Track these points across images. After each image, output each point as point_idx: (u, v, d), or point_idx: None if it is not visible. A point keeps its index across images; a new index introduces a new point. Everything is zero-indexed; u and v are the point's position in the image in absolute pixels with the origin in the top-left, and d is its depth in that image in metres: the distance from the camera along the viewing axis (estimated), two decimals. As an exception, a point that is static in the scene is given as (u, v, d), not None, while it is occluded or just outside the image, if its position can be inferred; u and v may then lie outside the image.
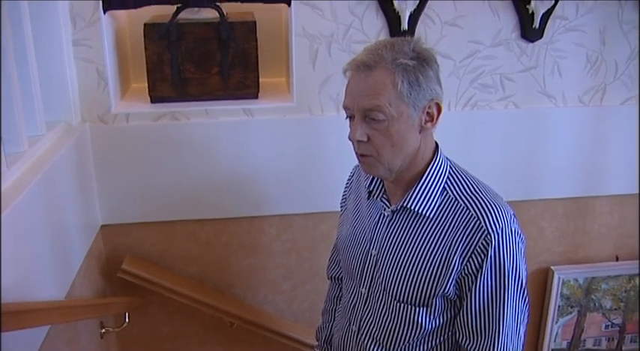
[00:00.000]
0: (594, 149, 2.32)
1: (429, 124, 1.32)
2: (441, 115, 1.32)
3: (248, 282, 2.33)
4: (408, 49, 1.27)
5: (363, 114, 1.29)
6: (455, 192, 1.35)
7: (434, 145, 1.38)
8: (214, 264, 2.28)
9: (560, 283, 2.49)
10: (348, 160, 1.86)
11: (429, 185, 1.35)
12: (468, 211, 1.31)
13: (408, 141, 1.31)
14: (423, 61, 1.28)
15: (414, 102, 1.27)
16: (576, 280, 2.51)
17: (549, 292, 2.52)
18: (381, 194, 1.44)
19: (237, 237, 2.25)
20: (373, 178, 1.46)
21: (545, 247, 2.48)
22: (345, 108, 1.33)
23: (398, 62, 1.25)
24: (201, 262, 2.27)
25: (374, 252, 1.44)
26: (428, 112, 1.30)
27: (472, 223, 1.30)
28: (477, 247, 1.29)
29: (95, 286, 2.09)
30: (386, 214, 1.42)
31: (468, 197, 1.33)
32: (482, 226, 1.29)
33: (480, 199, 1.32)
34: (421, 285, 1.35)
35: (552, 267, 2.50)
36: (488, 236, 1.28)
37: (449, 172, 1.37)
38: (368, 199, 1.49)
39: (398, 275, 1.38)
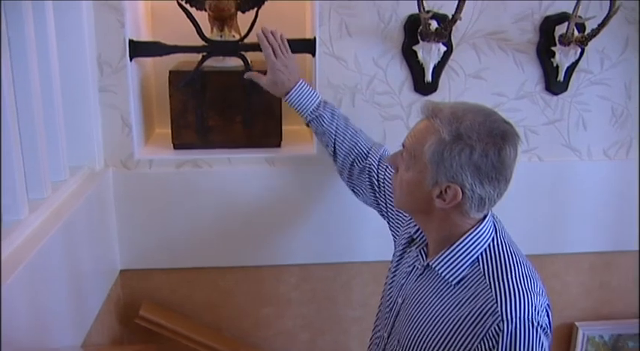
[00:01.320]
0: (620, 203, 2.28)
1: (438, 202, 1.29)
2: (457, 202, 1.28)
3: (266, 331, 2.30)
4: (460, 126, 1.25)
5: (403, 148, 1.37)
6: (486, 267, 1.29)
7: (480, 217, 1.34)
8: (233, 312, 2.26)
9: (585, 339, 2.43)
10: (367, 211, 1.87)
11: (459, 252, 1.31)
12: (489, 292, 1.25)
13: (415, 198, 1.34)
14: (459, 142, 1.25)
15: (433, 170, 1.28)
16: (602, 337, 2.45)
17: (574, 349, 2.45)
18: (422, 245, 1.43)
19: (257, 286, 2.23)
20: (419, 228, 1.45)
21: (569, 302, 2.43)
22: None
23: (440, 128, 1.26)
24: (220, 310, 2.25)
25: (399, 300, 1.43)
26: (441, 191, 1.28)
27: (489, 305, 1.23)
28: (489, 333, 1.22)
29: (112, 332, 2.07)
30: (418, 267, 1.41)
31: (496, 276, 1.26)
32: (497, 312, 1.21)
33: (507, 281, 1.25)
34: (430, 349, 1.31)
35: (577, 323, 2.44)
36: (502, 324, 1.20)
37: (489, 244, 1.32)
38: (410, 245, 1.48)
39: (411, 331, 1.36)
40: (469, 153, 1.24)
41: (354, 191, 1.88)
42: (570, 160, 2.23)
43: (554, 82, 2.14)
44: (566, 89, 2.16)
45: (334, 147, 1.84)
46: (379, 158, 1.79)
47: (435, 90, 2.08)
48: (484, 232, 1.32)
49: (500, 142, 1.25)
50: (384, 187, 1.75)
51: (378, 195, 1.78)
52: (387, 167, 1.75)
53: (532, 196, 2.22)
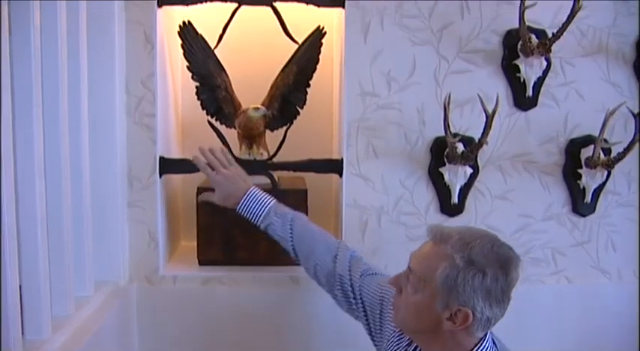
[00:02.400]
0: (653, 326, 2.22)
1: (448, 324, 1.31)
2: (468, 325, 1.30)
3: None
4: (472, 252, 1.29)
5: (408, 270, 1.37)
6: None
7: (482, 335, 1.36)
8: None
9: None
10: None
11: None
12: None
13: (422, 319, 1.34)
14: (472, 267, 1.29)
15: (444, 295, 1.30)
16: None
17: None
18: None
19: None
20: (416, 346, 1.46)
21: None
22: None
23: (452, 254, 1.29)
24: None
25: None
26: (452, 314, 1.30)
27: None
28: None
29: None
30: None
31: None
32: None
33: None
34: None
35: None
36: None
37: None
38: None
39: None
40: (481, 278, 1.28)
41: (332, 296, 1.79)
42: (600, 283, 2.19)
43: (582, 204, 2.13)
44: (593, 211, 2.15)
45: (295, 253, 1.77)
46: (349, 263, 1.71)
47: (462, 211, 2.08)
48: (486, 348, 1.36)
49: (507, 267, 1.30)
50: (360, 296, 1.68)
51: (354, 305, 1.70)
52: (362, 275, 1.68)
53: (560, 318, 2.16)
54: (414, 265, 1.37)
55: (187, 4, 1.98)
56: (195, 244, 2.10)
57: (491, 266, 1.29)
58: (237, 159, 2.01)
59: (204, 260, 2.09)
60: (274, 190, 2.02)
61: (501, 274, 1.29)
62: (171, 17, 2.05)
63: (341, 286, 1.70)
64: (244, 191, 1.77)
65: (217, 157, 1.80)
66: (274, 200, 1.79)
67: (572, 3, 1.92)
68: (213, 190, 1.90)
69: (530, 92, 2.05)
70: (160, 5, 1.94)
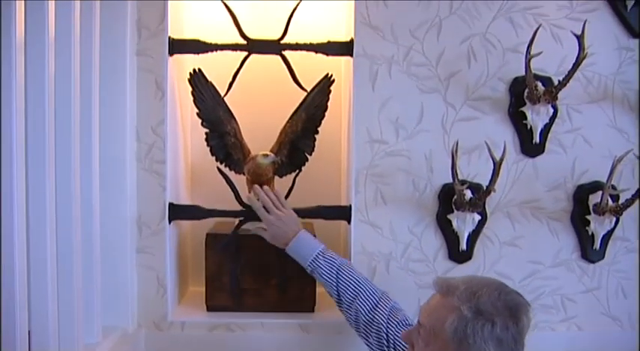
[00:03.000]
0: (666, 375, 2.19)
1: None
2: None
3: None
4: (479, 301, 1.29)
5: (418, 325, 1.37)
6: None
7: None
8: None
9: None
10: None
11: None
12: None
13: None
14: (480, 317, 1.29)
15: (457, 348, 1.29)
16: None
17: None
18: None
19: None
20: None
21: None
22: None
23: (458, 305, 1.30)
24: None
25: None
26: None
27: None
28: None
29: None
30: None
31: None
32: None
33: None
34: None
35: None
36: None
37: None
38: None
39: None
40: (491, 328, 1.27)
41: (365, 342, 1.82)
42: (611, 330, 2.17)
43: (591, 251, 2.13)
44: (603, 257, 2.14)
45: (338, 297, 1.81)
46: (388, 313, 1.75)
47: (470, 258, 2.08)
48: None
49: (516, 314, 1.30)
50: (393, 346, 1.70)
51: None
52: (398, 325, 1.71)
53: (573, 366, 2.15)
54: (423, 319, 1.37)
55: (198, 53, 2.01)
56: (204, 289, 2.10)
57: (500, 315, 1.28)
58: (245, 205, 2.03)
59: (212, 306, 2.08)
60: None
61: (511, 322, 1.29)
62: (182, 65, 2.08)
63: (377, 334, 1.72)
64: (294, 233, 1.85)
65: (271, 198, 1.89)
66: (323, 245, 1.86)
67: (577, 51, 1.95)
68: (223, 235, 1.91)
69: (537, 139, 2.07)
70: (170, 54, 1.97)
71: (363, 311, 1.77)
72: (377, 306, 1.76)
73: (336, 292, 1.82)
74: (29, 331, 1.45)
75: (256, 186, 1.92)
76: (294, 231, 1.87)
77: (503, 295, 1.32)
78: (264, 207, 1.90)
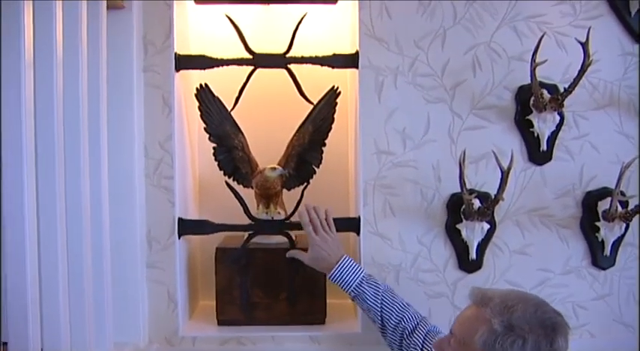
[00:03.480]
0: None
1: None
2: None
3: None
4: (512, 316, 1.27)
5: (450, 334, 1.37)
6: None
7: None
8: None
9: None
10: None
11: None
12: None
13: None
14: (510, 333, 1.26)
15: None
16: None
17: None
18: None
19: None
20: None
21: None
22: None
23: (489, 319, 1.28)
24: None
25: None
26: None
27: None
28: None
29: None
30: None
31: None
32: None
33: None
34: None
35: None
36: None
37: None
38: None
39: None
40: (521, 345, 1.24)
41: None
42: (624, 337, 2.15)
43: (601, 257, 2.12)
44: (613, 264, 2.13)
45: (382, 322, 1.81)
46: (424, 336, 1.75)
47: (480, 267, 2.07)
48: None
49: (551, 334, 1.27)
50: None
51: None
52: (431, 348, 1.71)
53: (587, 375, 2.14)
54: (456, 328, 1.37)
55: (204, 68, 2.02)
56: (214, 303, 2.10)
57: (533, 332, 1.26)
58: (254, 218, 2.03)
59: (223, 320, 2.08)
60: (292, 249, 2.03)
61: (545, 341, 1.26)
62: (189, 80, 2.10)
63: None
64: (338, 258, 1.84)
65: (320, 219, 1.88)
66: (365, 270, 1.86)
67: (582, 58, 1.95)
68: (232, 249, 1.91)
69: (544, 146, 2.07)
70: (177, 69, 1.98)
71: (405, 336, 1.77)
72: (416, 329, 1.77)
73: (379, 318, 1.81)
74: (42, 349, 1.46)
75: (308, 203, 1.92)
76: (338, 256, 1.85)
77: (540, 312, 1.30)
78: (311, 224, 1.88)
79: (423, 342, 1.74)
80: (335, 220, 1.95)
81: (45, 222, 1.46)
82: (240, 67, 2.02)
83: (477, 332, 1.29)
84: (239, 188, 2.09)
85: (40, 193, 1.44)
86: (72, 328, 1.58)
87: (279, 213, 2.10)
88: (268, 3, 2.14)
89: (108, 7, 1.81)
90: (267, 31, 2.17)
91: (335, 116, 2.09)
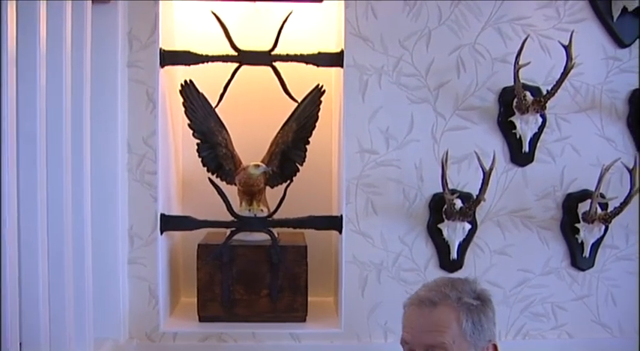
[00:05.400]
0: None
1: None
2: None
3: None
4: (470, 289, 1.31)
5: (424, 350, 1.28)
6: None
7: None
8: None
9: None
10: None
11: None
12: None
13: None
14: (484, 301, 1.31)
15: (475, 341, 1.28)
16: None
17: None
18: None
19: None
20: None
21: None
22: (404, 342, 1.32)
23: (463, 301, 1.28)
24: None
25: None
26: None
27: None
28: None
29: None
30: None
31: None
32: None
33: None
34: None
35: None
36: None
37: None
38: None
39: None
40: (490, 308, 1.32)
41: None
42: (602, 337, 2.18)
43: (580, 258, 2.14)
44: (592, 265, 2.15)
45: None
46: None
47: (461, 267, 2.09)
48: None
49: (489, 293, 1.34)
50: None
51: None
52: None
53: (564, 374, 2.16)
54: (430, 340, 1.28)
55: (189, 65, 2.02)
56: (196, 300, 2.10)
57: (486, 298, 1.32)
58: (237, 215, 2.04)
59: (204, 317, 2.08)
60: (274, 247, 2.04)
61: (492, 303, 1.33)
62: (173, 76, 2.10)
63: None
64: None
65: None
66: None
67: (565, 61, 1.97)
68: (215, 246, 1.91)
69: (526, 148, 2.08)
70: (162, 65, 1.98)
71: None
72: None
73: None
74: (20, 344, 1.45)
75: None
76: None
77: (467, 283, 1.34)
78: None
79: None
80: (317, 218, 1.96)
81: (25, 216, 1.45)
82: (225, 63, 2.02)
83: (460, 322, 1.27)
84: (222, 185, 2.10)
85: (21, 187, 1.43)
86: (51, 323, 1.57)
87: (262, 210, 2.11)
88: (254, 0, 2.14)
89: (93, 1, 1.80)
90: (253, 28, 2.17)
91: (319, 114, 2.10)
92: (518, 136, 2.08)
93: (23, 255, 1.45)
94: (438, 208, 2.04)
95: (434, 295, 1.30)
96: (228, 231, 2.06)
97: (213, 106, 2.06)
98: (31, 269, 1.47)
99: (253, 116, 2.23)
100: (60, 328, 1.62)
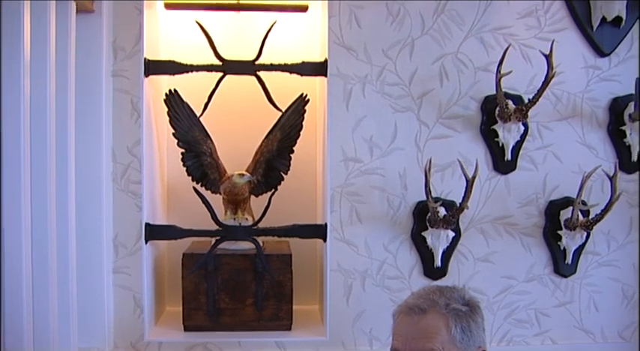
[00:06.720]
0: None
1: None
2: None
3: None
4: (458, 296, 1.34)
5: None
6: None
7: None
8: None
9: None
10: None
11: None
12: None
13: None
14: (473, 308, 1.34)
15: (464, 347, 1.30)
16: None
17: None
18: None
19: None
20: None
21: None
22: (395, 350, 1.34)
23: (451, 307, 1.31)
24: None
25: None
26: None
27: None
28: None
29: None
30: None
31: None
32: None
33: None
34: None
35: None
36: None
37: None
38: None
39: None
40: (479, 315, 1.35)
41: None
42: (584, 343, 2.20)
43: (563, 265, 2.16)
44: (575, 271, 2.18)
45: None
46: None
47: (445, 275, 2.10)
48: None
49: (477, 299, 1.37)
50: None
51: None
52: None
53: (547, 381, 2.17)
54: (420, 347, 1.30)
55: (173, 74, 2.03)
56: (181, 309, 2.09)
57: (475, 305, 1.35)
58: (222, 224, 2.04)
59: (189, 326, 2.07)
60: (259, 256, 2.04)
61: (480, 309, 1.37)
62: (158, 86, 2.10)
63: None
64: None
65: None
66: None
67: (546, 70, 1.99)
68: (199, 255, 1.91)
69: (509, 156, 2.11)
70: (146, 75, 1.98)
71: None
72: None
73: None
74: (4, 354, 1.45)
75: None
76: None
77: (456, 290, 1.37)
78: None
79: None
80: (302, 226, 1.96)
81: (9, 225, 1.45)
82: (210, 73, 2.03)
83: (449, 328, 1.29)
84: (207, 194, 2.09)
85: (4, 195, 1.43)
86: (35, 332, 1.56)
87: (246, 219, 2.11)
88: (239, 10, 2.15)
89: (78, 11, 1.80)
90: (237, 37, 2.17)
91: (303, 123, 2.10)
92: (500, 144, 2.10)
93: (7, 264, 1.45)
94: (422, 216, 2.06)
95: (422, 303, 1.33)
96: (213, 240, 2.06)
97: (198, 115, 2.06)
98: (15, 278, 1.47)
99: (238, 125, 2.23)
100: (44, 337, 1.62)
